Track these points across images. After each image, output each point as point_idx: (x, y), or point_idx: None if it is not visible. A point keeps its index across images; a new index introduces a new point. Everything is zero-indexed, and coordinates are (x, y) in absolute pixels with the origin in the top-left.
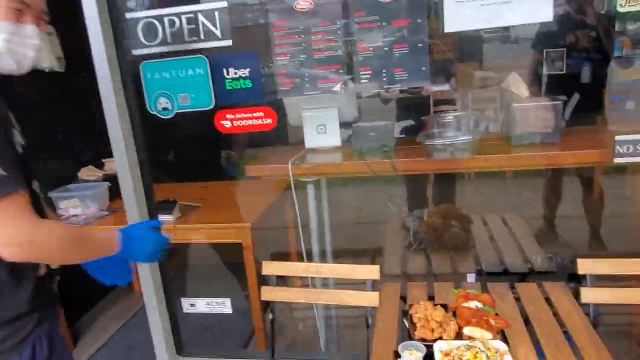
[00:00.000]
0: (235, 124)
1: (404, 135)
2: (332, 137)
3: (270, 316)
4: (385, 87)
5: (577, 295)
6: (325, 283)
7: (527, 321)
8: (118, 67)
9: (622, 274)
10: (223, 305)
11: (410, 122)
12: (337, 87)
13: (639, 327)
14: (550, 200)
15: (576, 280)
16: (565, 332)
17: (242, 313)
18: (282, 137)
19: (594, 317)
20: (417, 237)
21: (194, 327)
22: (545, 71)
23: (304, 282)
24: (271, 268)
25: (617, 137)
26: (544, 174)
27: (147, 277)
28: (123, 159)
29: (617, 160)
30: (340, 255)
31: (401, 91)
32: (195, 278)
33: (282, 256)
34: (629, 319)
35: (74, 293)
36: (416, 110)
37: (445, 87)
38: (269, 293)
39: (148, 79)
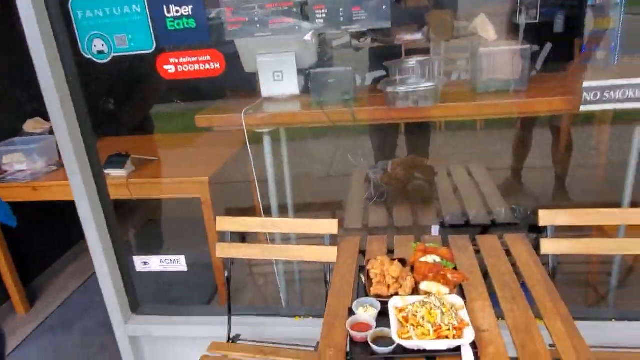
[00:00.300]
0: (180, 69)
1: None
2: (290, 85)
3: (226, 274)
4: (342, 28)
5: (537, 246)
6: (287, 238)
7: (486, 274)
8: (44, 5)
9: (583, 224)
10: (177, 263)
11: (381, 73)
12: (298, 32)
13: (594, 275)
14: (517, 151)
15: (537, 231)
16: (523, 284)
17: (207, 270)
18: (242, 86)
19: (553, 267)
20: (379, 189)
21: (158, 284)
22: (519, 20)
23: (271, 239)
24: (225, 224)
25: (585, 84)
26: (515, 125)
27: (93, 235)
28: (57, 110)
29: (584, 108)
30: (302, 210)
31: (373, 40)
32: (156, 235)
33: (243, 212)
34: (585, 267)
35: (28, 251)
36: (388, 60)
37: (418, 36)
38: (224, 250)
39: (79, 18)
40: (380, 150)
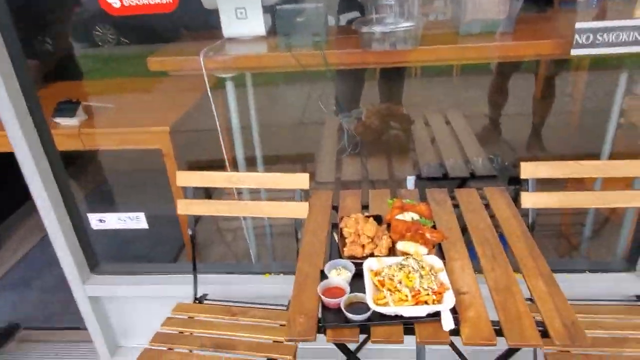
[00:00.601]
0: (126, 3)
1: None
2: (254, 24)
3: (190, 232)
4: None
5: (515, 198)
6: (255, 192)
7: (465, 229)
8: None
9: (565, 177)
10: (137, 220)
11: (356, 14)
12: None
13: (566, 226)
14: (494, 98)
15: (516, 182)
16: (502, 237)
17: (174, 225)
18: (201, 25)
19: (532, 221)
20: (353, 139)
21: (122, 241)
22: None
23: (238, 192)
24: (187, 179)
25: (578, 25)
26: (492, 71)
27: (39, 190)
28: None
29: (575, 52)
30: (271, 163)
31: None
32: (116, 190)
33: (209, 165)
34: (558, 217)
35: None
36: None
37: None
38: (187, 207)
39: None
40: (350, 97)
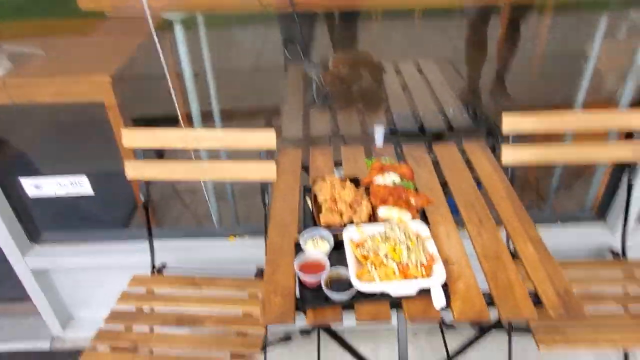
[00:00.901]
0: None
1: None
2: None
3: (142, 198)
4: None
5: (493, 151)
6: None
7: (444, 184)
8: None
9: (551, 129)
10: (79, 185)
11: None
12: None
13: (532, 176)
14: (470, 45)
15: (491, 134)
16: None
17: (126, 187)
18: None
19: (512, 175)
20: (320, 90)
21: (64, 206)
22: None
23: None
24: (134, 138)
25: None
26: (458, 14)
27: None
28: None
29: None
30: (230, 118)
31: None
32: (53, 152)
33: (162, 119)
34: (528, 169)
35: None
36: None
37: None
38: (137, 169)
39: None
40: (315, 41)
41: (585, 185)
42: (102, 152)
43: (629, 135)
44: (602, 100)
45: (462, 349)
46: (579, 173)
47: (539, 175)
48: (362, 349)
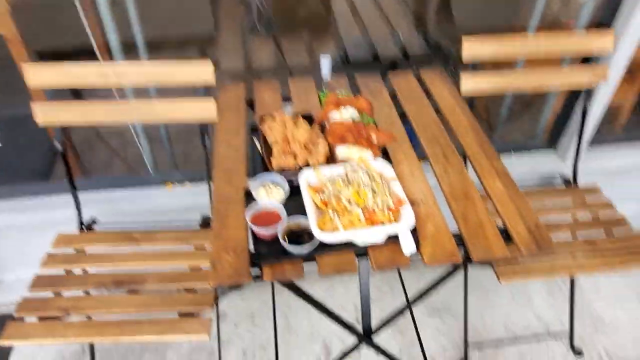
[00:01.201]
0: None
1: None
2: None
3: (60, 147)
4: None
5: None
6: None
7: (403, 115)
8: None
9: (516, 54)
10: None
11: None
12: None
13: (482, 106)
14: None
15: (445, 59)
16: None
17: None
18: None
19: (471, 104)
20: (263, 16)
21: None
22: None
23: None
24: (41, 75)
25: None
26: None
27: None
28: None
29: None
30: (158, 49)
31: None
32: None
33: (76, 53)
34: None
35: None
36: None
37: None
38: (49, 113)
39: None
40: None
41: (535, 114)
42: (10, 93)
43: (585, 60)
44: (554, 26)
45: (425, 292)
46: (528, 102)
47: (488, 105)
48: (317, 289)
